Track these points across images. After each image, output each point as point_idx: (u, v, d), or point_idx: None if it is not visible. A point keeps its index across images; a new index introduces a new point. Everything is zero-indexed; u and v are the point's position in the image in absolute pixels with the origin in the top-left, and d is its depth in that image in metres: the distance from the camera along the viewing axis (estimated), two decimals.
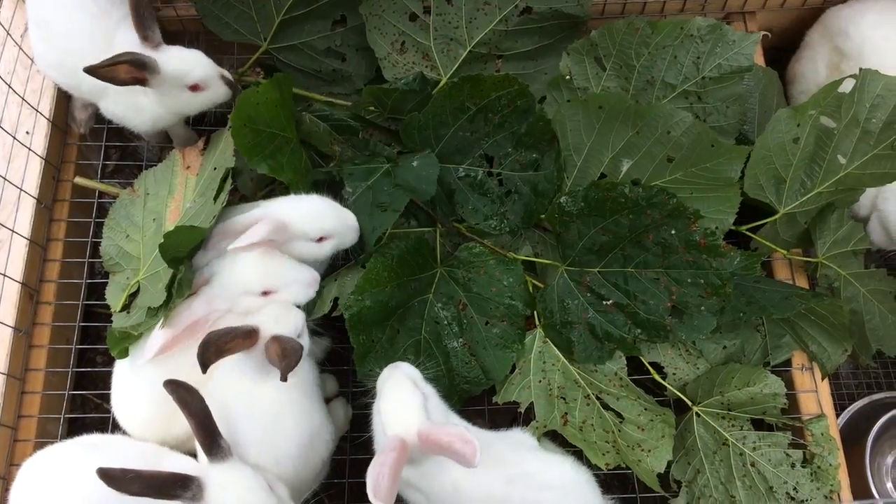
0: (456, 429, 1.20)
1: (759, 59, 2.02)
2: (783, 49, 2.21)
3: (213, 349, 1.32)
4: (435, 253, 1.70)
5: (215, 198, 1.59)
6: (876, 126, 1.65)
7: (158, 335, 1.45)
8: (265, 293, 1.50)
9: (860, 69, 1.64)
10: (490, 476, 1.37)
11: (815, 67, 2.02)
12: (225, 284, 1.51)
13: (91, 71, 1.45)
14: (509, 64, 1.85)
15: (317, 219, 1.52)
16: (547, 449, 1.55)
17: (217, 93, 1.64)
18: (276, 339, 1.36)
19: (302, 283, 1.53)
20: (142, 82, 1.54)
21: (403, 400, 1.32)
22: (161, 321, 1.48)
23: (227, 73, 1.65)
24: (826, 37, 1.99)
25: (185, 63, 1.58)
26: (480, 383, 1.62)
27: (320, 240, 1.53)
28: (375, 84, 1.80)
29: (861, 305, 1.80)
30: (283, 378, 1.30)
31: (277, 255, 1.53)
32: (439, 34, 1.81)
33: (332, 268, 1.71)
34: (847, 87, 1.66)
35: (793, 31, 2.17)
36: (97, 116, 1.90)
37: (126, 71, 1.49)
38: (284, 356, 1.32)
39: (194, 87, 1.61)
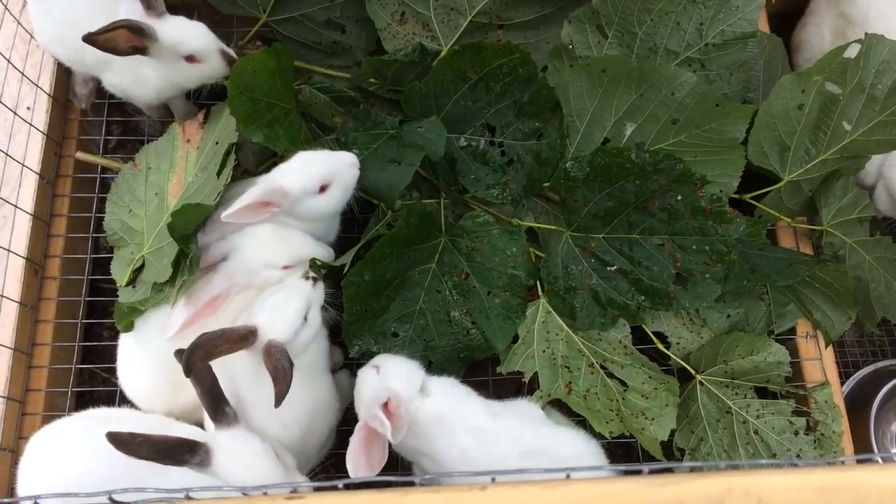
0: (374, 412, 1.30)
1: (764, 26, 2.00)
2: (788, 15, 2.18)
3: (201, 352, 1.29)
4: (439, 223, 1.69)
5: (218, 173, 1.59)
6: (881, 92, 1.63)
7: (180, 312, 1.45)
8: (286, 267, 1.52)
9: (866, 34, 1.62)
10: (502, 449, 1.39)
11: (820, 34, 1.99)
12: (246, 259, 1.51)
13: (90, 39, 1.44)
14: (510, 33, 1.83)
15: (308, 167, 1.50)
16: (553, 418, 1.56)
17: (214, 67, 1.63)
18: (269, 354, 1.33)
19: (321, 257, 1.55)
20: (142, 51, 1.53)
21: (358, 383, 1.45)
22: (177, 296, 1.49)
23: (228, 50, 1.64)
24: (831, 3, 1.97)
25: (181, 33, 1.57)
26: (482, 350, 1.62)
27: (322, 190, 1.51)
28: (376, 56, 1.79)
29: (866, 273, 1.79)
30: (276, 405, 1.28)
31: (296, 230, 1.54)
32: (439, 4, 1.79)
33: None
34: (852, 52, 1.64)
35: None
36: (98, 91, 1.89)
37: (125, 38, 1.48)
38: (275, 381, 1.30)
39: (190, 59, 1.60)
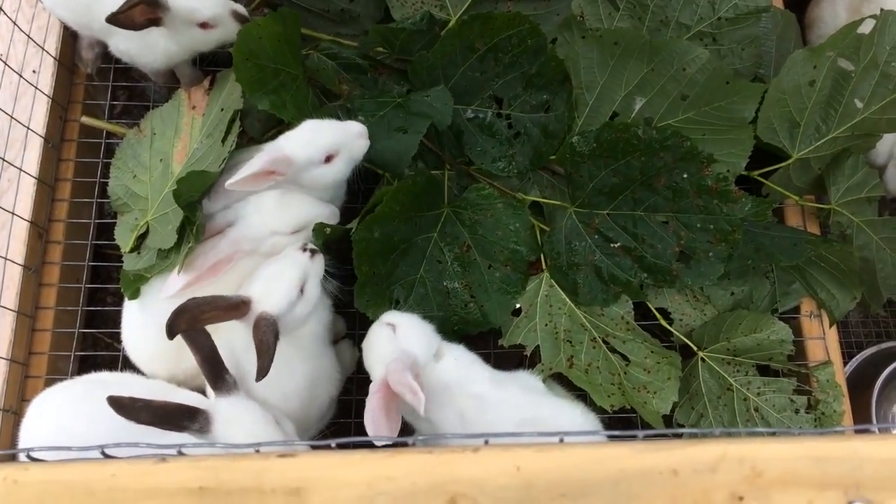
0: (405, 379, 1.23)
1: (777, 1, 1.97)
2: None
3: (186, 317, 1.28)
4: (443, 192, 1.68)
5: (223, 140, 1.59)
6: (895, 69, 1.60)
7: (182, 274, 1.45)
8: (294, 233, 1.51)
9: (881, 10, 1.59)
10: (501, 417, 1.39)
11: (834, 11, 1.96)
12: (252, 226, 1.50)
13: (113, 20, 1.44)
14: (520, 4, 1.81)
15: (315, 137, 1.48)
16: (555, 392, 1.56)
17: (229, 31, 1.62)
18: (256, 327, 1.32)
19: (326, 218, 1.54)
20: (156, 22, 1.52)
21: (371, 342, 1.40)
22: (182, 263, 1.48)
23: (240, 9, 1.62)
24: None
25: (195, 1, 1.56)
26: (478, 324, 1.62)
27: (328, 160, 1.50)
28: (385, 24, 1.77)
29: (873, 254, 1.77)
30: (258, 379, 1.27)
31: (299, 193, 1.53)
32: None
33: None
34: (867, 29, 1.61)
35: None
36: (104, 56, 1.88)
37: (141, 12, 1.48)
38: (258, 354, 1.29)
39: (204, 25, 1.59)
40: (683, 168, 1.52)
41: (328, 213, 1.56)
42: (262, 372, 1.27)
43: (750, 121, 1.62)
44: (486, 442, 0.78)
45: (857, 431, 1.45)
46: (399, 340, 1.37)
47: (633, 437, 0.76)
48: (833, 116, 1.67)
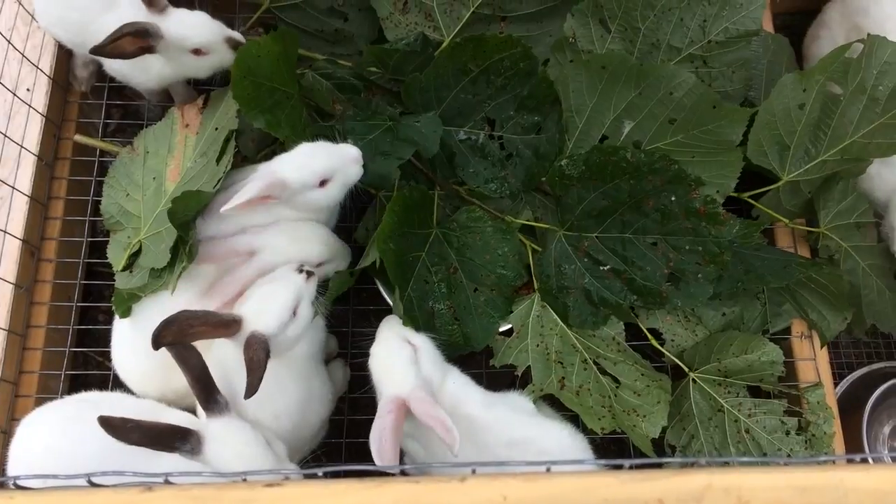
0: (440, 414, 1.21)
1: (768, 25, 1.99)
2: (793, 13, 2.17)
3: (173, 329, 1.27)
4: (433, 213, 1.69)
5: (218, 159, 1.59)
6: (883, 94, 1.62)
7: (209, 301, 1.46)
8: (320, 265, 1.54)
9: (868, 35, 1.61)
10: (491, 437, 1.39)
11: (832, 39, 1.97)
12: (280, 256, 1.50)
13: (97, 51, 1.45)
14: (513, 26, 1.82)
15: (309, 161, 1.48)
16: (544, 413, 1.56)
17: (223, 57, 1.62)
18: (248, 345, 1.32)
19: (344, 255, 1.60)
20: (149, 50, 1.53)
21: (392, 359, 1.35)
22: (176, 283, 1.49)
23: (235, 35, 1.62)
24: (845, 16, 1.94)
25: (186, 28, 1.56)
26: (459, 348, 1.61)
27: (323, 184, 1.51)
28: (377, 45, 1.78)
29: (859, 279, 1.77)
30: (246, 396, 1.27)
31: (326, 228, 1.58)
32: None
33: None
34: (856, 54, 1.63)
35: None
36: (99, 74, 1.89)
37: (131, 43, 1.48)
38: (248, 371, 1.28)
39: (197, 52, 1.60)
40: (672, 191, 1.53)
41: (345, 252, 1.62)
42: (252, 389, 1.27)
43: (738, 144, 1.62)
44: (474, 471, 0.78)
45: (849, 460, 1.45)
46: (421, 365, 1.36)
47: (621, 466, 0.76)
48: (822, 140, 1.68)
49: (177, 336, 1.28)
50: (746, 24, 1.66)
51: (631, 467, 0.79)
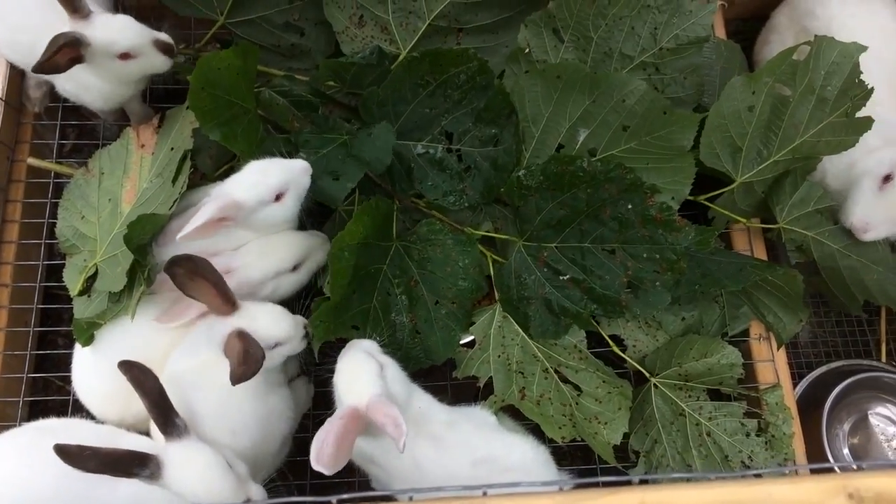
0: (393, 412, 1.20)
1: (721, 32, 2.02)
2: (747, 19, 2.20)
3: (189, 265, 1.33)
4: (393, 226, 1.69)
5: (174, 180, 1.58)
6: (831, 93, 1.65)
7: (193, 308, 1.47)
8: (295, 268, 1.58)
9: (815, 36, 1.64)
10: (457, 458, 1.39)
11: (782, 43, 2.00)
12: (255, 272, 1.53)
13: (39, 69, 1.42)
14: (470, 37, 1.83)
15: (263, 177, 1.49)
16: (505, 426, 1.56)
17: (151, 60, 1.59)
18: (242, 338, 1.33)
19: (320, 246, 1.62)
20: (78, 60, 1.49)
21: (356, 371, 1.33)
22: (135, 309, 1.48)
23: (162, 36, 1.59)
24: (793, 19, 1.98)
25: (111, 32, 1.52)
26: (419, 361, 1.62)
27: (278, 198, 1.51)
28: (335, 59, 1.78)
29: (838, 262, 1.79)
30: (234, 382, 1.28)
31: (293, 231, 1.60)
32: (398, 7, 1.78)
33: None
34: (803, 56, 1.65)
35: (757, 2, 2.16)
36: (52, 95, 1.87)
37: (64, 54, 1.44)
38: (242, 362, 1.29)
39: (125, 56, 1.55)
40: (628, 199, 1.55)
41: (321, 241, 1.63)
42: (242, 377, 1.29)
43: (690, 148, 1.64)
44: (411, 498, 0.78)
45: (814, 471, 1.47)
46: (388, 382, 1.34)
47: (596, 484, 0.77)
48: (773, 140, 1.71)
49: (187, 273, 1.34)
50: (696, 30, 1.69)
51: (601, 484, 0.80)
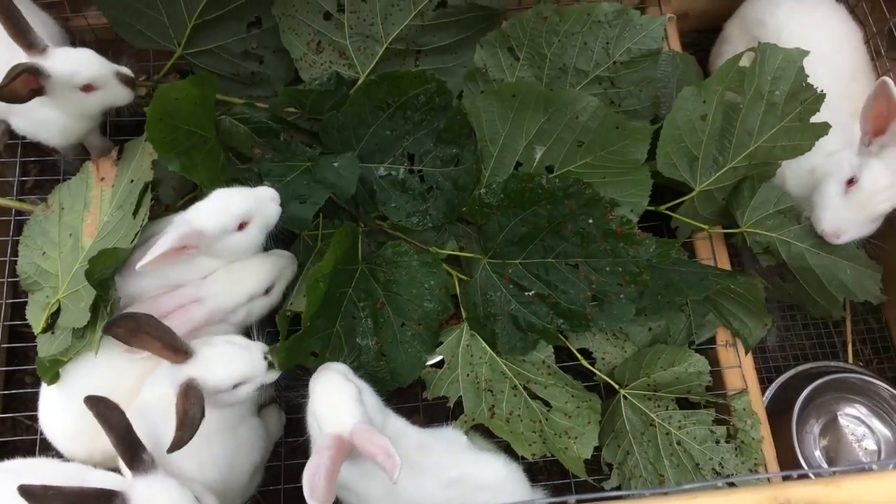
0: (383, 441, 1.19)
1: (676, 44, 2.05)
2: (702, 31, 2.24)
3: (129, 325, 1.29)
4: (358, 249, 1.69)
5: (135, 213, 1.57)
6: (780, 98, 1.67)
7: None
8: (267, 291, 1.57)
9: (759, 43, 1.67)
10: (429, 481, 1.39)
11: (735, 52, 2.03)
12: (226, 298, 1.52)
13: None
14: (429, 59, 1.85)
15: (226, 206, 1.48)
16: (477, 444, 1.56)
17: (113, 92, 1.60)
18: (185, 394, 1.30)
19: (288, 265, 1.61)
20: (39, 92, 1.49)
21: (336, 396, 1.31)
22: (100, 344, 1.46)
23: (124, 70, 1.60)
24: (744, 30, 2.02)
25: (74, 63, 1.53)
26: (385, 384, 1.61)
27: (241, 227, 1.50)
28: (295, 85, 1.79)
29: (809, 261, 1.79)
30: (169, 450, 1.25)
31: (261, 254, 1.59)
32: (355, 32, 1.80)
33: None
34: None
35: (711, 14, 2.20)
36: (11, 132, 1.85)
37: (24, 83, 1.44)
38: (180, 425, 1.26)
39: (87, 88, 1.56)
40: (588, 214, 1.56)
41: (290, 261, 1.62)
42: (180, 444, 1.25)
43: (645, 160, 1.66)
44: None
45: (785, 477, 1.48)
46: (366, 405, 1.33)
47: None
48: (728, 147, 1.73)
49: (127, 332, 1.30)
50: (648, 43, 1.71)
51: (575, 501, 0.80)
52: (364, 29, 1.80)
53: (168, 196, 1.77)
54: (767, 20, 1.92)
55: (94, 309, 1.50)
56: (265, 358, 1.44)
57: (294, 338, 1.49)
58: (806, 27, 1.88)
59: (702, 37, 2.23)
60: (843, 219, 1.71)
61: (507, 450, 1.57)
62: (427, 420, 1.67)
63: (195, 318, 1.49)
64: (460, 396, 1.62)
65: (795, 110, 1.68)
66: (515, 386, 1.63)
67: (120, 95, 1.61)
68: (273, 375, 1.46)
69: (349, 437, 1.23)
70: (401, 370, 1.61)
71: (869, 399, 1.93)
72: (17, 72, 1.42)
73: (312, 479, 1.15)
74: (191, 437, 1.26)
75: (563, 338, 1.68)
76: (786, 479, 1.53)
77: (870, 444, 1.91)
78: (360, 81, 1.79)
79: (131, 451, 1.30)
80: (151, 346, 1.32)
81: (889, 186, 1.67)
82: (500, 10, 1.80)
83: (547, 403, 1.62)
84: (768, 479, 1.58)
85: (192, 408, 1.28)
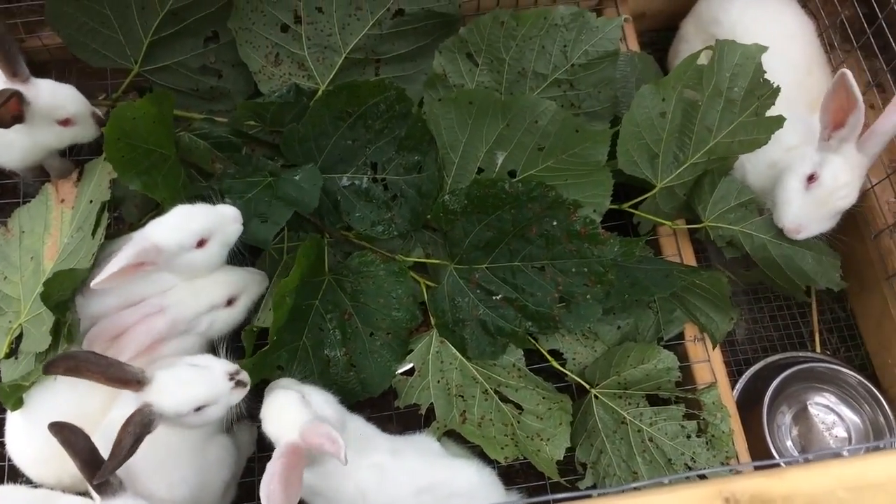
0: (324, 428, 1.21)
1: (634, 45, 2.07)
2: (660, 30, 2.27)
3: (69, 364, 1.27)
4: (324, 260, 1.69)
5: (93, 233, 1.56)
6: (738, 94, 1.69)
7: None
8: (230, 302, 1.56)
9: (716, 40, 1.69)
10: (400, 487, 1.39)
11: (691, 50, 2.05)
12: (188, 309, 1.51)
13: None
14: (389, 67, 1.85)
15: (185, 222, 1.47)
16: (450, 450, 1.57)
17: (86, 129, 1.66)
18: (129, 420, 1.26)
19: (258, 283, 1.60)
20: (20, 119, 1.52)
21: (280, 406, 1.33)
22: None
23: (98, 112, 1.66)
24: (700, 28, 2.04)
25: (59, 98, 1.59)
26: (356, 394, 1.61)
27: (201, 244, 1.49)
28: (255, 98, 1.78)
29: (771, 252, 1.81)
30: (95, 481, 1.22)
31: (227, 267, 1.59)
32: (313, 43, 1.80)
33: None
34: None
35: (667, 13, 2.23)
36: None
37: (10, 108, 1.47)
38: (111, 454, 1.22)
39: (66, 122, 1.61)
40: (552, 216, 1.57)
41: (259, 278, 1.61)
42: (105, 473, 1.22)
43: (605, 162, 1.67)
44: None
45: (758, 468, 1.49)
46: (314, 406, 1.34)
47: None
48: (688, 144, 1.75)
49: (68, 371, 1.27)
50: (605, 45, 1.72)
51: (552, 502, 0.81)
52: (322, 40, 1.80)
53: (131, 214, 1.75)
54: (722, 17, 1.94)
55: (54, 332, 1.48)
56: (231, 378, 1.40)
57: (260, 353, 1.49)
58: (759, 22, 1.90)
59: (660, 36, 2.26)
60: (804, 215, 1.73)
61: (482, 455, 1.57)
62: (401, 428, 1.66)
63: (156, 328, 1.47)
64: (432, 403, 1.62)
65: (753, 105, 1.70)
66: (486, 390, 1.64)
67: (90, 133, 1.67)
68: (240, 394, 1.41)
69: (301, 441, 1.24)
70: (371, 380, 1.61)
71: (837, 387, 1.95)
72: (8, 96, 1.45)
73: (268, 487, 1.17)
74: (117, 468, 1.22)
75: (532, 340, 1.69)
76: (758, 468, 1.55)
77: (840, 432, 1.93)
78: (319, 92, 1.78)
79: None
80: (98, 380, 1.29)
81: (849, 183, 1.70)
82: (457, 16, 1.81)
83: (518, 406, 1.63)
84: (739, 472, 1.59)
85: (126, 437, 1.24)
